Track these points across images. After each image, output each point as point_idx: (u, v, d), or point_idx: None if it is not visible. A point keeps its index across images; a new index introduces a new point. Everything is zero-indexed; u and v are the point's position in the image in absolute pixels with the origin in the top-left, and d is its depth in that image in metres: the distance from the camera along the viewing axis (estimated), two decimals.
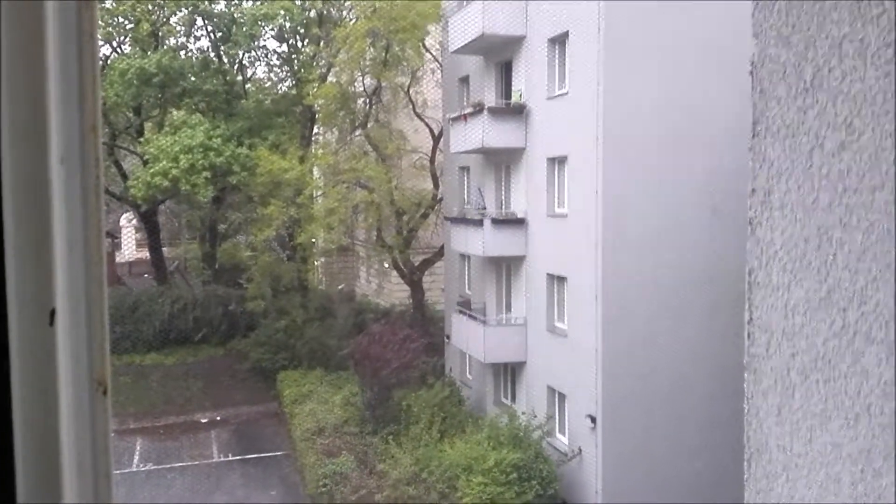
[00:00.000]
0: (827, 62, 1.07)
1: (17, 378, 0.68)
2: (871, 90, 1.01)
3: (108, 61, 30.47)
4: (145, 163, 28.32)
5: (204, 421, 25.05)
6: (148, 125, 32.11)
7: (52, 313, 0.70)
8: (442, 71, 25.79)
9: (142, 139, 30.20)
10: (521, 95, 20.07)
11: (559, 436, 18.68)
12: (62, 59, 0.69)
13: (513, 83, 20.72)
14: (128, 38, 31.41)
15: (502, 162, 21.30)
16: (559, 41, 18.52)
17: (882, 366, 1.00)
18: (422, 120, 26.16)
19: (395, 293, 29.37)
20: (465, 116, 20.74)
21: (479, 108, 20.12)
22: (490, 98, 21.20)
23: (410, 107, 25.74)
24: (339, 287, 31.19)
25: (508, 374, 21.36)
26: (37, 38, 0.67)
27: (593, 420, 16.88)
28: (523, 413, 18.73)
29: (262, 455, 22.37)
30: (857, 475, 1.05)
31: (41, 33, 0.67)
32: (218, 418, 25.14)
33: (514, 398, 21.07)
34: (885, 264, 1.00)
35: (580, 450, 17.46)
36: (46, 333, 0.69)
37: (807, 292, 1.11)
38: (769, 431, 1.19)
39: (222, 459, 22.32)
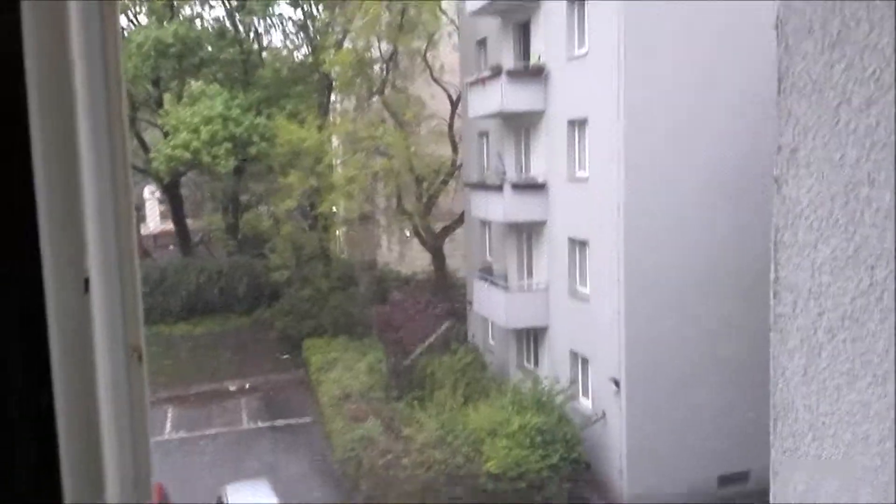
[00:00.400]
0: (854, 15, 1.04)
1: (55, 345, 0.69)
2: None
3: (125, 33, 30.44)
4: (166, 135, 28.45)
5: (233, 389, 25.54)
6: (167, 97, 32.13)
7: (87, 282, 0.71)
8: (459, 34, 25.39)
9: (161, 111, 30.29)
10: (539, 57, 19.72)
11: (582, 399, 18.77)
12: (85, 52, 0.72)
13: (531, 45, 20.35)
14: (143, 10, 31.30)
15: (522, 126, 21.05)
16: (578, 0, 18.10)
17: None
18: (439, 85, 25.88)
19: (417, 261, 29.44)
20: (483, 80, 20.45)
21: (497, 72, 19.82)
22: (508, 61, 20.85)
23: (428, 72, 25.45)
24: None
25: (531, 339, 21.42)
26: (60, 30, 0.69)
27: (617, 384, 16.91)
28: (546, 378, 18.81)
29: (291, 421, 22.79)
30: (885, 433, 1.04)
31: (65, 23, 0.69)
32: (247, 386, 25.60)
33: (536, 363, 21.16)
34: None
35: (604, 413, 17.54)
36: (82, 301, 0.71)
37: (834, 251, 1.09)
38: (795, 391, 1.18)
39: (252, 427, 22.78)
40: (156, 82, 31.89)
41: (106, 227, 0.75)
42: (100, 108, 0.74)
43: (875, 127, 1.02)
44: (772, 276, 1.20)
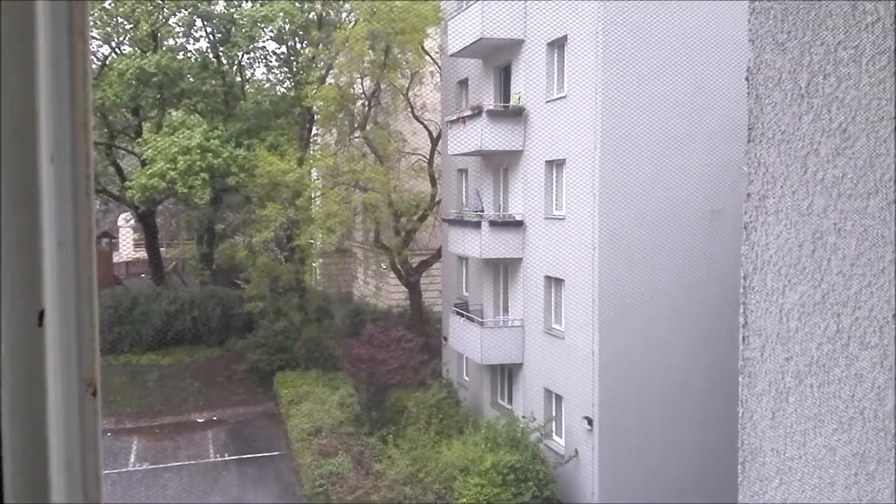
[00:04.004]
0: (822, 68, 1.08)
1: (5, 378, 0.67)
2: (865, 96, 1.02)
3: (108, 61, 30.51)
4: (143, 163, 28.34)
5: (201, 421, 25.07)
6: (146, 125, 32.10)
7: (41, 314, 0.68)
8: (441, 74, 25.89)
9: (140, 140, 30.22)
10: (519, 98, 20.18)
11: (556, 438, 18.75)
12: (53, 57, 0.69)
13: (511, 86, 20.83)
14: (127, 39, 31.44)
15: (500, 164, 21.40)
16: (558, 45, 18.64)
17: (876, 370, 1.01)
18: (420, 122, 26.25)
19: (393, 295, 29.41)
20: (463, 119, 20.83)
21: (477, 111, 20.21)
22: (489, 101, 21.31)
23: (409, 109, 25.83)
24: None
25: (505, 375, 21.43)
26: (27, 36, 0.67)
27: (590, 422, 16.95)
28: (523, 416, 18.78)
29: (259, 455, 22.39)
30: (850, 478, 1.05)
31: (31, 31, 0.67)
32: (215, 418, 25.16)
33: (510, 400, 21.13)
34: (879, 269, 1.00)
35: (577, 451, 17.52)
36: (35, 334, 0.68)
37: (801, 297, 1.11)
38: (763, 435, 1.19)
39: (219, 459, 22.32)
40: (135, 111, 31.88)
41: (65, 257, 0.71)
42: (63, 130, 0.70)
43: (841, 178, 1.05)
44: (741, 320, 1.22)
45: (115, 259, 39.95)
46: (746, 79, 1.21)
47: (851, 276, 1.05)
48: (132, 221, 38.92)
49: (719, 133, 16.35)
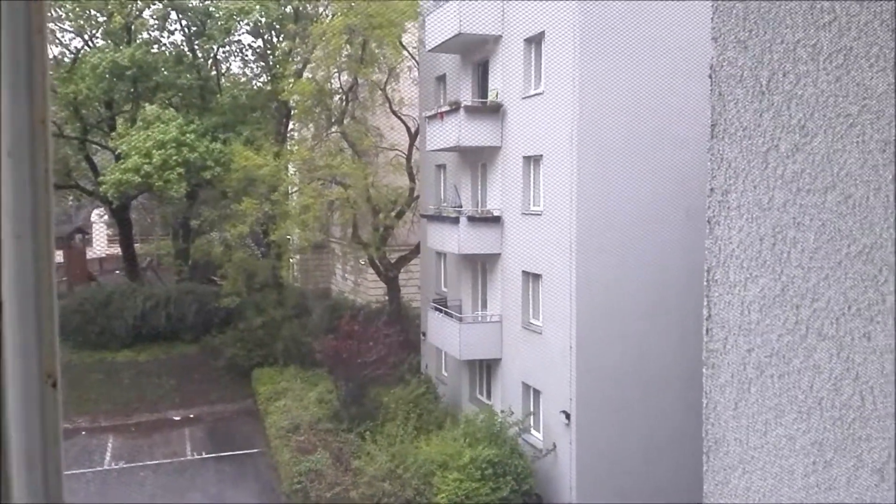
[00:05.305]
0: (782, 66, 1.10)
1: None
2: (823, 93, 1.04)
3: (80, 55, 30.00)
4: (117, 158, 27.95)
5: (177, 418, 24.86)
6: (120, 120, 31.64)
7: None
8: (419, 69, 25.82)
9: (114, 134, 29.79)
10: (497, 94, 20.20)
11: (534, 432, 18.87)
12: (11, 54, 0.70)
13: (489, 82, 20.84)
14: (100, 32, 30.93)
15: (478, 160, 21.42)
16: (535, 41, 18.67)
17: (833, 361, 1.04)
18: (398, 117, 26.17)
19: (372, 290, 29.36)
20: (441, 114, 20.80)
21: (455, 107, 20.20)
22: (466, 97, 21.29)
23: (387, 104, 25.73)
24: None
25: (484, 370, 21.51)
26: None
27: (567, 416, 17.09)
28: (502, 411, 18.88)
29: (237, 452, 22.26)
30: (809, 467, 1.08)
31: None
32: (191, 416, 24.96)
33: (489, 395, 21.22)
34: (835, 262, 1.03)
35: (554, 446, 17.66)
36: None
37: (762, 289, 1.14)
38: (726, 425, 1.21)
39: (196, 457, 22.16)
40: (109, 105, 31.43)
41: (23, 250, 0.71)
42: (22, 126, 0.71)
43: (800, 173, 1.08)
44: (704, 313, 1.24)
45: (89, 255, 39.38)
46: (710, 76, 1.23)
47: (810, 268, 1.07)
48: (106, 217, 38.38)
49: (694, 132, 16.51)
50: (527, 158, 19.01)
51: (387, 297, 27.60)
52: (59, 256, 37.75)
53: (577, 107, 16.70)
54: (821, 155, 1.06)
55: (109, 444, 22.89)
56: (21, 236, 0.72)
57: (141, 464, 21.52)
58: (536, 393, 18.83)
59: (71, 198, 36.54)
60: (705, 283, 1.24)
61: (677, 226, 17.03)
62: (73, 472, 20.33)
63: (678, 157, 16.92)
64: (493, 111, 20.05)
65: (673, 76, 16.75)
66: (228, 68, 33.76)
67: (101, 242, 42.04)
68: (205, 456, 22.16)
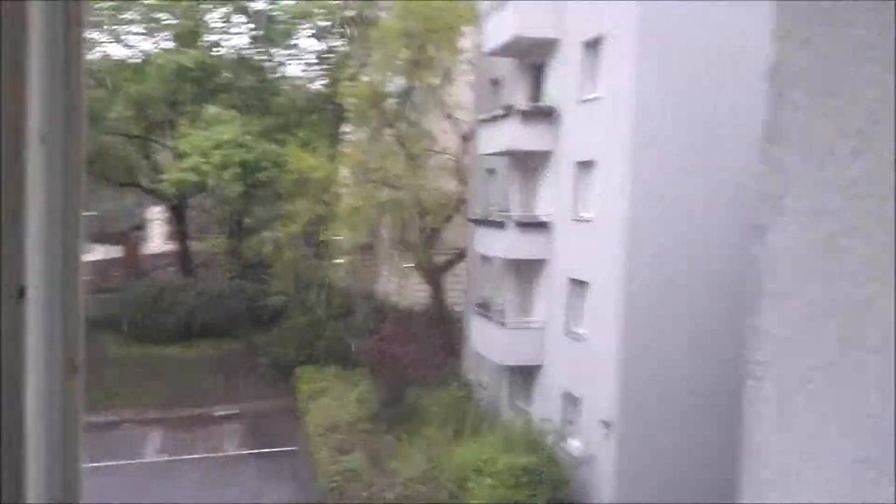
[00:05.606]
0: (845, 68, 1.06)
1: None
2: (887, 98, 1.00)
3: (148, 56, 31.09)
4: (178, 157, 28.73)
5: (220, 414, 25.12)
6: (182, 120, 32.61)
7: (22, 290, 0.68)
8: (474, 72, 25.83)
9: (175, 134, 30.68)
10: (551, 99, 19.97)
11: (573, 440, 18.37)
12: (48, 41, 0.70)
13: (544, 86, 20.63)
14: (168, 34, 32.01)
15: (529, 165, 21.18)
16: (594, 44, 18.39)
17: (884, 377, 1.01)
18: (451, 121, 26.19)
19: (416, 293, 29.30)
20: (494, 118, 20.70)
21: (508, 111, 20.07)
22: (521, 100, 21.13)
23: (440, 108, 25.78)
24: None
25: (525, 376, 21.11)
26: (20, 23, 0.67)
27: (608, 425, 16.58)
28: (542, 419, 18.48)
29: (276, 450, 22.35)
30: (853, 486, 1.05)
31: (24, 20, 0.67)
32: (235, 412, 25.18)
33: (529, 401, 20.81)
34: (891, 273, 0.99)
35: (594, 455, 17.16)
36: (16, 309, 0.68)
37: (813, 300, 1.11)
38: (767, 439, 1.19)
39: (236, 453, 22.33)
40: (172, 105, 32.42)
41: (51, 235, 0.71)
42: (56, 112, 0.71)
43: (858, 179, 1.04)
44: (751, 322, 1.21)
45: (146, 251, 40.55)
46: (768, 76, 1.19)
47: (864, 279, 1.04)
48: (163, 214, 39.51)
49: (756, 138, 15.89)
50: (579, 164, 18.69)
51: (431, 301, 27.49)
52: (117, 251, 39.05)
53: (634, 112, 16.35)
54: (881, 161, 1.01)
55: (154, 437, 23.27)
56: (51, 222, 0.71)
57: (183, 458, 21.77)
58: (577, 401, 18.35)
59: (132, 196, 37.75)
60: (752, 292, 1.22)
61: (732, 235, 16.40)
62: (116, 463, 20.68)
63: (737, 163, 16.32)
64: (547, 115, 19.82)
65: (737, 82, 16.22)
66: (288, 71, 34.50)
67: (158, 239, 43.31)
68: (245, 452, 22.30)
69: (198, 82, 29.83)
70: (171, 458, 21.74)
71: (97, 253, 39.88)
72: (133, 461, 21.30)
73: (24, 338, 0.69)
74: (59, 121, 0.71)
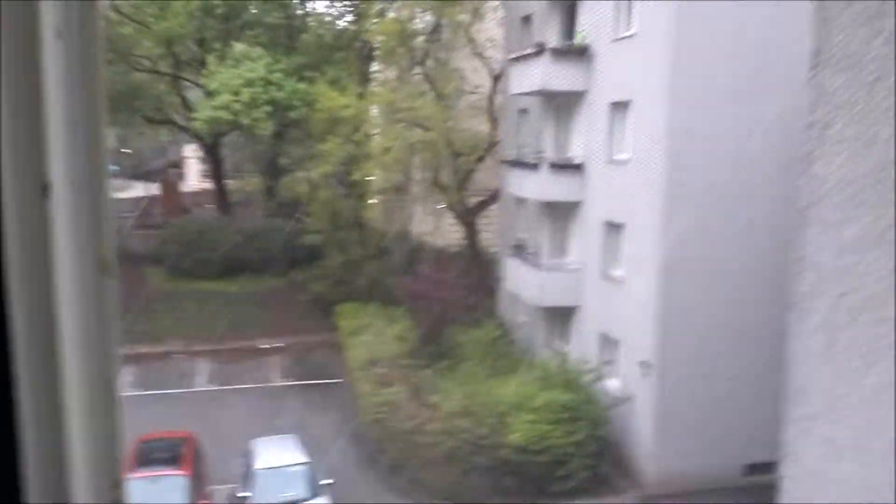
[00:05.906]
0: None
1: (11, 254, 0.65)
2: None
3: None
4: (208, 95, 28.83)
5: (265, 347, 26.15)
6: (210, 57, 32.45)
7: (45, 187, 0.66)
8: (504, 8, 25.23)
9: (204, 71, 30.63)
10: (584, 37, 19.61)
11: (611, 380, 18.97)
12: None
13: (576, 24, 20.22)
14: None
15: (562, 105, 21.02)
16: None
17: None
18: (481, 59, 25.79)
19: (450, 234, 29.65)
20: (525, 57, 20.41)
21: (540, 49, 19.77)
22: (552, 38, 20.75)
23: (470, 46, 25.36)
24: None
25: (561, 317, 21.63)
26: None
27: (646, 366, 17.08)
28: (578, 359, 19.02)
29: (320, 382, 23.37)
30: None
31: None
32: (279, 345, 26.22)
33: (565, 342, 21.39)
34: None
35: (631, 395, 17.74)
36: (40, 208, 0.66)
37: (861, 230, 1.07)
38: (812, 373, 1.15)
39: (283, 384, 23.42)
40: (200, 42, 32.19)
41: (75, 132, 0.69)
42: (72, 7, 0.69)
43: None
44: (795, 253, 1.18)
45: (183, 189, 41.23)
46: (812, 0, 1.15)
47: None
48: (198, 153, 39.90)
49: (800, 75, 15.57)
50: (614, 104, 18.53)
51: (465, 241, 27.86)
52: (154, 189, 39.77)
53: (672, 49, 16.03)
54: None
55: (203, 368, 24.45)
56: (73, 120, 0.69)
57: (232, 387, 22.93)
58: (614, 342, 18.86)
59: (166, 132, 38.07)
60: (798, 223, 1.18)
61: (773, 177, 16.31)
62: (170, 391, 21.91)
63: (783, 102, 15.99)
64: (580, 54, 19.53)
65: (780, 19, 15.66)
66: (315, 7, 33.89)
67: (193, 177, 43.88)
68: (291, 383, 23.41)
69: (224, 18, 29.53)
70: (220, 388, 22.84)
71: (136, 190, 40.75)
72: (186, 390, 22.48)
73: (51, 238, 0.66)
74: (76, 16, 0.69)
